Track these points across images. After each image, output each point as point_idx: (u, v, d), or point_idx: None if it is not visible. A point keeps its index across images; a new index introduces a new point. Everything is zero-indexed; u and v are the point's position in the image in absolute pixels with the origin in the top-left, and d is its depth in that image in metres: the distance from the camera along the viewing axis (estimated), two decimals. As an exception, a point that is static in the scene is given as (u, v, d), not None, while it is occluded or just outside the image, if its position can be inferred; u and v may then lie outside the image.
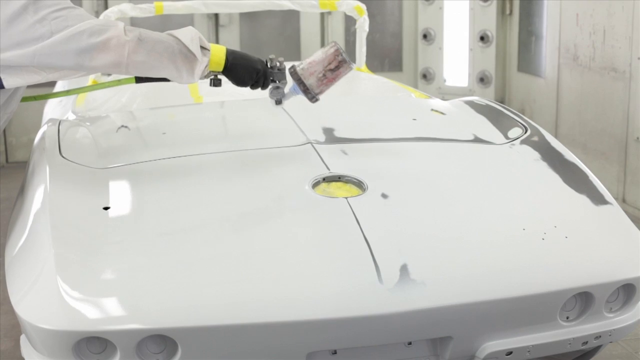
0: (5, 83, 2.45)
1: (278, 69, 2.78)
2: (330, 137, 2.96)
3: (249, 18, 7.36)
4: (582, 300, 2.47)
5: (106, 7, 6.78)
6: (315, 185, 2.62)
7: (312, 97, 2.74)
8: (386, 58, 7.73)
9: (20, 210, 2.64)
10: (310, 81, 2.72)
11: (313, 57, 2.74)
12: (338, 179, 2.66)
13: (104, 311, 2.15)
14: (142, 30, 2.54)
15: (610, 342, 2.62)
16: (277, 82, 2.79)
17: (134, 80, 2.83)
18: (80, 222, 2.44)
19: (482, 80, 7.34)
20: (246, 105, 3.50)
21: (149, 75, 2.63)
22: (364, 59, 4.91)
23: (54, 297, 2.15)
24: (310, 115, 3.15)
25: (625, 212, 2.75)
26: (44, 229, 2.38)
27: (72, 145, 2.92)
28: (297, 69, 2.72)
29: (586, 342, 2.52)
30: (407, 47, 7.76)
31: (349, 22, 7.25)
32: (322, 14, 7.51)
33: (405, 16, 7.69)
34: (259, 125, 3.21)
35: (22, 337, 2.31)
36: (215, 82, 2.76)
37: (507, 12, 7.18)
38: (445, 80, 7.57)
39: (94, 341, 2.16)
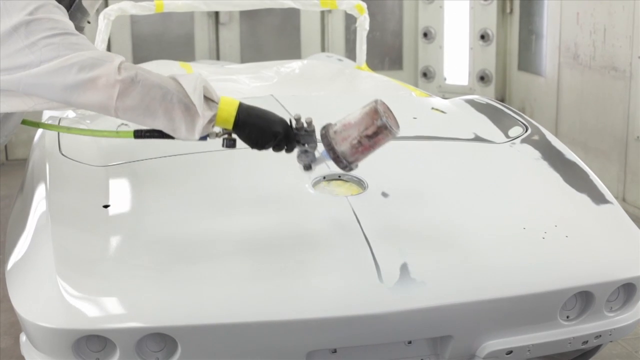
0: None
1: (305, 131, 2.32)
2: (331, 135, 2.95)
3: (249, 16, 7.35)
4: (583, 300, 2.46)
5: (106, 5, 6.77)
6: (315, 183, 2.62)
7: (345, 167, 2.30)
8: (386, 56, 7.72)
9: (20, 208, 2.64)
10: (342, 148, 2.27)
11: (349, 118, 2.29)
12: (338, 177, 2.66)
13: (104, 309, 2.15)
14: (141, 70, 2.17)
15: (611, 341, 2.62)
16: (305, 145, 2.33)
17: (132, 134, 2.36)
18: (80, 220, 2.43)
19: (483, 79, 7.33)
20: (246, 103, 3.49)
21: (141, 124, 2.22)
22: (364, 57, 4.91)
23: (54, 295, 2.14)
24: (310, 114, 3.14)
25: (626, 211, 2.75)
26: (44, 227, 2.38)
27: (72, 143, 2.92)
28: (329, 132, 2.29)
29: (586, 342, 2.51)
30: (407, 46, 7.75)
31: (350, 21, 7.25)
32: (323, 12, 7.50)
33: (405, 14, 7.69)
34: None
35: (22, 335, 2.31)
36: (228, 143, 2.29)
37: (508, 10, 7.17)
38: (445, 79, 7.57)
39: (94, 339, 2.16)
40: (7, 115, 2.41)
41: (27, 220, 2.49)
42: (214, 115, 2.22)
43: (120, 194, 2.60)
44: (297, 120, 2.31)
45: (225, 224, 2.44)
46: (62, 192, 2.56)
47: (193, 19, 7.28)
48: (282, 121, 2.31)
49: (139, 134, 2.34)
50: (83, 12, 2.49)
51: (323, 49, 7.50)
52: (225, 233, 2.40)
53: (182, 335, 2.15)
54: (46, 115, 4.07)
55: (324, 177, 2.64)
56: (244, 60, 7.06)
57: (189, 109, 2.17)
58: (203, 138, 2.27)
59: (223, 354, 2.21)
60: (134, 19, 6.99)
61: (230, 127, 2.25)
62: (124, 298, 2.17)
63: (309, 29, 7.54)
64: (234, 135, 2.29)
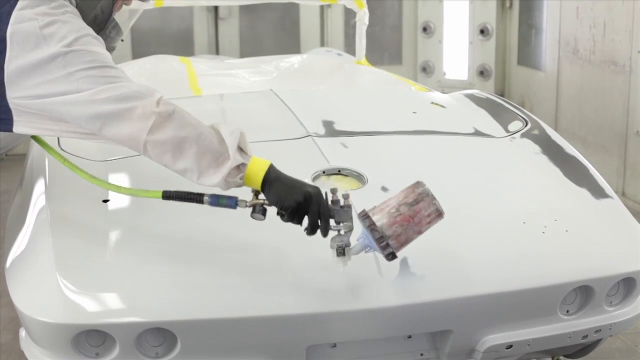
0: (15, 128, 2.17)
1: (341, 206, 2.14)
2: (330, 130, 2.95)
3: (249, 11, 7.35)
4: (582, 294, 2.46)
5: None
6: (315, 178, 2.61)
7: (390, 254, 2.10)
8: (386, 51, 7.72)
9: (19, 203, 2.64)
10: (378, 218, 2.08)
11: (393, 199, 2.14)
12: (338, 172, 2.65)
13: (103, 304, 2.15)
14: (179, 108, 2.13)
15: (610, 335, 2.62)
16: (340, 223, 2.14)
17: (160, 194, 2.24)
18: (79, 215, 2.43)
19: (482, 73, 7.33)
20: (246, 97, 3.49)
21: (166, 163, 2.12)
22: (363, 52, 4.90)
23: (53, 290, 2.14)
24: (310, 108, 3.14)
25: (625, 205, 2.75)
26: (43, 222, 2.38)
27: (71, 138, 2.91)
28: (369, 209, 2.12)
29: (586, 336, 2.52)
30: (406, 40, 7.75)
31: (349, 15, 7.24)
32: (322, 7, 7.50)
33: (405, 9, 7.69)
34: (259, 117, 3.20)
35: (22, 330, 2.31)
36: (257, 210, 2.16)
37: (507, 5, 7.18)
38: (445, 74, 7.57)
39: (93, 334, 2.16)
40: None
41: (26, 215, 2.48)
42: (243, 165, 2.12)
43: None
44: (334, 192, 2.15)
45: (225, 218, 2.44)
46: (62, 187, 2.56)
47: (192, 13, 7.28)
48: (316, 188, 2.16)
49: (167, 195, 2.24)
50: (118, 30, 2.47)
51: (322, 44, 7.50)
52: (225, 228, 2.39)
53: (181, 329, 2.15)
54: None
55: (324, 172, 2.64)
56: (243, 55, 7.06)
57: (221, 154, 2.10)
58: (230, 203, 2.18)
59: (222, 349, 2.20)
60: (132, 13, 6.97)
61: (259, 185, 2.13)
62: (123, 293, 2.17)
63: (308, 24, 7.54)
64: (265, 204, 2.17)
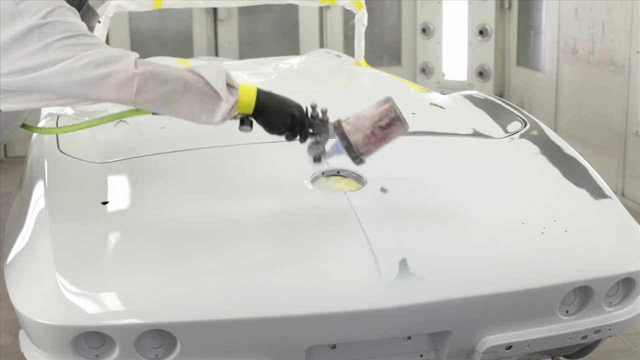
0: (1, 106, 2.23)
1: (320, 120, 2.36)
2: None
3: (248, 12, 7.35)
4: (582, 295, 2.46)
5: (104, 1, 6.77)
6: (314, 179, 2.61)
7: (356, 157, 2.34)
8: (385, 52, 7.72)
9: (18, 205, 2.64)
10: (355, 138, 2.31)
11: (363, 111, 2.35)
12: (337, 173, 2.65)
13: (103, 306, 2.15)
14: (157, 64, 2.24)
15: (610, 336, 2.62)
16: (318, 135, 2.37)
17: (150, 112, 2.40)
18: (78, 216, 2.43)
19: (481, 74, 7.33)
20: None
21: (162, 113, 2.31)
22: (362, 53, 4.90)
23: (53, 292, 2.14)
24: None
25: (625, 206, 2.75)
26: (43, 224, 2.38)
27: (71, 140, 2.91)
28: (343, 122, 2.34)
29: (586, 336, 2.52)
30: (406, 41, 7.75)
31: (348, 16, 7.24)
32: (321, 8, 7.50)
33: (404, 10, 7.68)
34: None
35: (21, 332, 2.31)
36: (246, 122, 2.34)
37: (506, 6, 7.17)
38: (444, 75, 7.57)
39: (93, 336, 2.16)
40: (11, 114, 2.40)
41: (25, 217, 2.48)
42: (236, 101, 2.28)
43: (118, 191, 2.60)
44: (314, 108, 2.36)
45: (224, 219, 2.44)
46: (61, 189, 2.56)
47: (191, 15, 7.28)
48: (299, 106, 2.36)
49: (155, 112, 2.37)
50: (93, 12, 2.51)
51: (321, 45, 7.50)
52: (224, 229, 2.39)
53: (181, 331, 2.15)
54: (45, 111, 4.07)
55: (323, 173, 2.64)
56: (242, 56, 7.06)
57: (209, 97, 2.24)
58: None
59: (222, 350, 2.21)
60: (132, 16, 6.98)
61: (250, 111, 2.31)
62: (122, 294, 2.17)
63: (307, 25, 7.54)
64: (251, 118, 2.34)
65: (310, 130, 2.37)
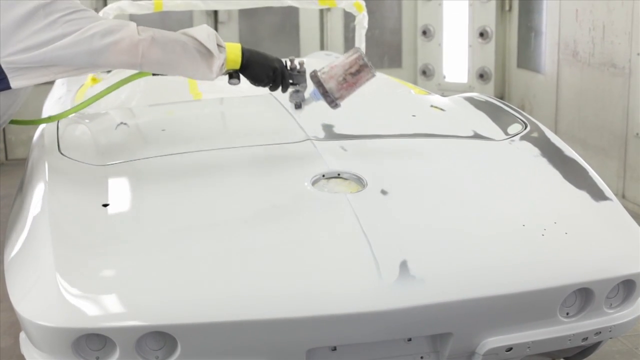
0: (12, 84, 2.40)
1: (298, 71, 2.72)
2: (330, 133, 2.96)
3: (248, 15, 7.35)
4: (582, 297, 2.46)
5: (105, 4, 6.77)
6: (314, 182, 2.61)
7: (332, 102, 2.67)
8: (385, 54, 7.72)
9: (19, 207, 2.64)
10: (330, 85, 2.65)
11: (335, 62, 2.69)
12: (337, 175, 2.66)
13: (103, 308, 2.15)
14: (156, 30, 2.51)
15: (611, 338, 2.62)
16: (297, 85, 2.73)
17: (150, 73, 2.78)
18: (79, 219, 2.43)
19: (482, 76, 7.34)
20: (245, 101, 3.50)
21: (165, 74, 2.65)
22: (363, 55, 4.90)
23: (53, 294, 2.14)
24: (309, 112, 3.14)
25: (625, 208, 2.75)
26: (43, 226, 2.38)
27: (71, 143, 2.92)
28: (318, 72, 2.66)
29: (586, 338, 2.52)
30: (406, 44, 7.75)
31: (348, 19, 7.25)
32: (321, 11, 7.50)
33: (404, 12, 7.69)
34: (258, 121, 3.21)
35: (22, 335, 2.31)
36: (234, 76, 2.70)
37: (507, 8, 7.18)
38: (444, 77, 7.57)
39: (94, 338, 2.16)
40: (15, 96, 2.57)
41: (26, 219, 2.48)
42: (225, 58, 2.61)
43: (119, 193, 2.60)
44: (292, 61, 2.72)
45: (225, 222, 2.44)
46: (61, 192, 2.56)
47: (192, 17, 7.28)
48: (279, 60, 2.72)
49: (156, 73, 2.73)
50: None
51: (322, 47, 7.50)
52: (225, 231, 2.40)
53: (181, 333, 2.15)
54: (46, 113, 4.08)
55: (323, 175, 2.64)
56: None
57: (204, 55, 2.55)
58: None
59: (223, 352, 2.21)
60: (133, 18, 6.97)
61: (238, 66, 2.65)
62: (123, 296, 2.17)
63: (307, 28, 7.54)
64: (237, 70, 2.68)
65: (290, 81, 2.71)
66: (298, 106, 2.77)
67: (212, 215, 2.48)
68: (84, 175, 2.68)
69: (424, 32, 7.59)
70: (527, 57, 6.95)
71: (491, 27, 7.21)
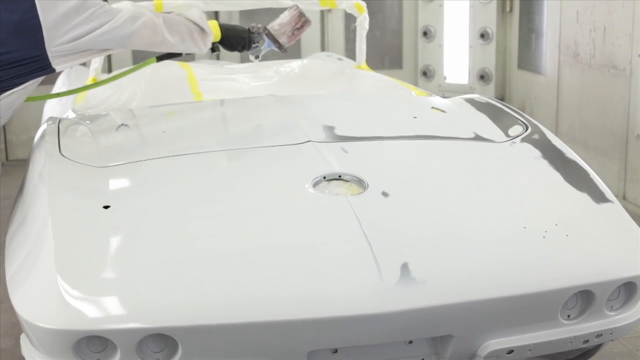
0: (56, 68, 2.78)
1: (257, 33, 3.40)
2: (331, 135, 2.95)
3: (249, 16, 7.34)
4: (583, 299, 2.46)
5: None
6: (315, 183, 2.61)
7: (284, 50, 3.47)
8: (386, 55, 7.72)
9: (20, 208, 2.64)
10: (282, 40, 3.45)
11: (281, 19, 3.46)
12: (338, 177, 2.65)
13: (104, 310, 2.15)
14: (159, 13, 3.04)
15: (612, 340, 2.62)
16: (257, 42, 3.40)
17: (155, 60, 3.37)
18: (80, 220, 2.43)
19: (483, 77, 7.33)
20: (246, 102, 3.50)
21: (177, 49, 3.12)
22: (364, 56, 4.90)
23: (54, 296, 2.14)
24: (310, 113, 3.14)
25: (626, 209, 2.75)
26: (44, 228, 2.38)
27: (72, 144, 2.92)
28: (272, 30, 3.43)
29: (587, 341, 2.51)
30: (407, 45, 7.75)
31: (349, 20, 7.24)
32: (322, 12, 7.49)
33: (405, 13, 7.68)
34: (260, 123, 3.21)
35: (22, 336, 2.31)
36: (215, 49, 3.29)
37: (508, 9, 7.18)
38: (445, 78, 7.57)
39: (94, 340, 2.16)
40: (19, 91, 2.83)
41: (27, 221, 2.48)
42: (212, 34, 3.20)
43: (120, 195, 2.60)
44: (253, 27, 3.39)
45: (225, 224, 2.44)
46: (62, 193, 2.56)
47: (192, 18, 7.27)
48: (245, 29, 3.39)
49: (160, 57, 3.35)
50: None
51: (323, 49, 7.50)
52: (226, 233, 2.40)
53: (182, 335, 2.15)
54: (47, 114, 4.07)
55: (324, 177, 2.64)
56: (243, 60, 7.04)
57: (200, 33, 3.13)
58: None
59: (224, 354, 2.20)
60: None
61: (219, 39, 3.27)
62: (124, 299, 2.17)
63: (308, 29, 7.52)
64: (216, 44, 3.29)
65: (253, 42, 3.39)
66: (257, 57, 3.45)
67: (213, 216, 2.48)
68: (84, 176, 2.68)
69: (425, 33, 7.59)
70: (527, 58, 6.95)
71: (492, 28, 7.21)
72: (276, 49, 3.47)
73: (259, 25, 3.45)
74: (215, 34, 3.24)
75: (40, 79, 2.88)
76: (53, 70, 2.80)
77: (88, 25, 2.77)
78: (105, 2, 2.89)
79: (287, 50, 3.51)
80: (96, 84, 3.65)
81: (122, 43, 2.91)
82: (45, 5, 2.70)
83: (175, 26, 3.04)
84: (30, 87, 2.87)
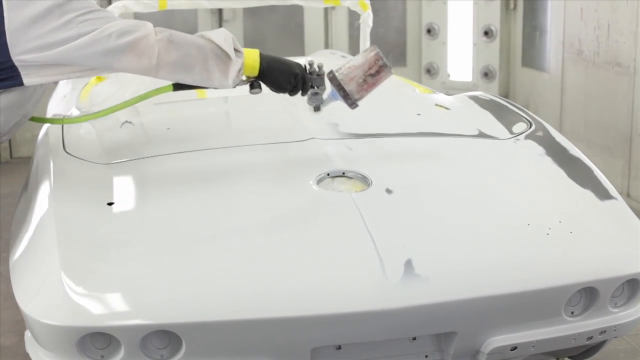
0: (25, 81, 2.35)
1: (317, 75, 2.69)
2: (335, 132, 2.95)
3: (253, 13, 7.35)
4: (587, 296, 2.46)
5: (109, 3, 6.78)
6: (319, 180, 2.61)
7: (352, 103, 2.64)
8: (390, 53, 7.71)
9: (24, 206, 2.64)
10: (350, 87, 2.61)
11: (353, 62, 2.64)
12: (342, 174, 2.66)
13: (108, 307, 2.15)
14: (172, 31, 2.45)
15: (615, 337, 2.62)
16: (316, 87, 2.70)
17: (171, 87, 2.67)
18: (84, 217, 2.44)
19: (486, 75, 7.33)
20: (250, 100, 3.49)
21: (180, 79, 2.52)
22: (367, 54, 4.89)
23: (58, 293, 2.15)
24: (311, 111, 3.14)
25: (630, 206, 2.74)
26: (48, 225, 2.38)
27: (76, 141, 2.92)
28: (337, 74, 2.62)
29: (591, 337, 2.51)
30: (411, 42, 7.74)
31: (353, 17, 7.24)
32: (326, 9, 7.50)
33: (409, 11, 7.68)
34: (264, 120, 3.21)
35: (27, 333, 2.31)
36: (255, 85, 2.66)
37: (511, 6, 7.17)
38: (449, 75, 7.56)
39: (98, 337, 2.16)
40: (29, 96, 2.48)
41: (31, 218, 2.49)
42: (243, 63, 2.53)
43: (124, 192, 2.60)
44: (311, 65, 2.68)
45: (230, 220, 2.44)
46: (66, 190, 2.56)
47: (197, 16, 7.28)
48: (299, 65, 2.66)
49: (178, 87, 2.63)
50: None
51: (327, 46, 7.50)
52: (230, 230, 2.40)
53: (186, 332, 2.15)
54: (51, 112, 4.08)
55: (328, 174, 2.64)
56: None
57: (221, 58, 2.47)
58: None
59: (227, 351, 2.21)
60: (138, 17, 6.97)
61: (256, 73, 2.59)
62: (128, 295, 2.17)
63: (312, 26, 7.54)
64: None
65: (310, 85, 2.68)
66: (317, 109, 2.73)
67: (217, 213, 2.48)
68: (88, 173, 2.68)
69: (429, 31, 7.58)
70: (531, 55, 6.94)
71: (496, 26, 7.20)
72: (342, 100, 2.66)
73: (320, 64, 2.73)
74: (249, 64, 2.57)
75: (35, 96, 2.54)
76: (21, 82, 2.35)
77: (63, 34, 2.28)
78: (100, 9, 2.38)
79: (357, 103, 2.66)
80: (106, 110, 2.89)
81: (105, 63, 2.36)
82: (13, 4, 2.27)
83: (183, 48, 2.44)
84: (15, 99, 2.43)
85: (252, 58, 2.56)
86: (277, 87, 2.64)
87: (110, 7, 4.35)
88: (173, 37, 2.42)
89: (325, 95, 2.70)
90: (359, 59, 2.63)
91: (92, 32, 2.29)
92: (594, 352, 2.76)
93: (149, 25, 2.39)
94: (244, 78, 2.61)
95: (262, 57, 2.59)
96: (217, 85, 2.52)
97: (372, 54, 2.61)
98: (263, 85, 2.69)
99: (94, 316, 2.12)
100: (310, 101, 2.72)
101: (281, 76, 2.62)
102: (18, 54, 2.28)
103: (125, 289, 2.18)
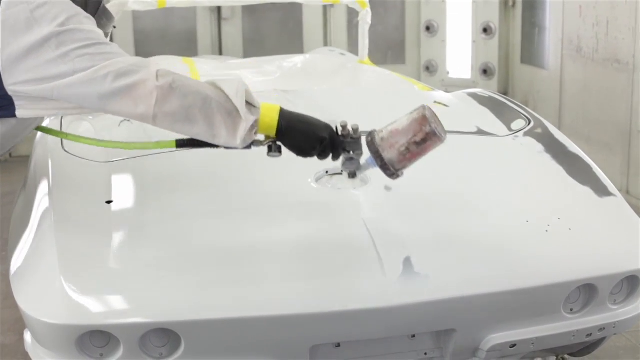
0: (18, 113, 2.17)
1: (352, 138, 2.24)
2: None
3: (252, 11, 7.35)
4: (586, 292, 2.46)
5: (108, 1, 6.77)
6: (318, 178, 2.61)
7: (392, 174, 2.22)
8: (389, 50, 7.71)
9: (23, 204, 2.64)
10: (390, 155, 2.18)
11: (396, 125, 2.19)
12: (341, 172, 2.65)
13: (107, 305, 2.15)
14: (177, 76, 2.14)
15: (614, 334, 2.62)
16: (351, 152, 2.26)
17: (174, 144, 2.32)
18: (83, 216, 2.44)
19: (485, 72, 7.33)
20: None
21: (179, 131, 2.18)
22: (366, 51, 4.90)
23: (57, 292, 2.14)
24: (313, 108, 3.14)
25: (629, 203, 2.74)
26: (47, 224, 2.38)
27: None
28: (376, 138, 2.19)
29: (590, 334, 2.51)
30: (410, 40, 7.74)
31: (352, 15, 7.23)
32: (325, 7, 7.50)
33: (408, 8, 7.68)
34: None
35: (26, 332, 2.31)
36: (275, 149, 2.25)
37: (510, 4, 7.17)
38: (448, 73, 7.57)
39: (98, 335, 2.16)
40: (24, 125, 2.35)
41: (30, 216, 2.49)
42: (256, 121, 2.16)
43: (122, 190, 2.60)
44: (344, 127, 2.24)
45: (228, 219, 2.44)
46: (65, 189, 2.56)
47: (195, 14, 7.28)
48: (328, 126, 2.24)
49: (181, 144, 2.30)
50: (109, 17, 2.44)
51: (325, 43, 7.50)
52: (228, 228, 2.40)
53: (185, 330, 2.15)
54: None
55: (327, 172, 2.64)
56: (246, 55, 7.06)
57: (230, 113, 2.13)
58: (247, 147, 2.22)
59: (226, 349, 2.21)
60: (136, 15, 6.98)
61: (273, 133, 2.20)
62: (127, 293, 2.17)
63: (311, 24, 7.54)
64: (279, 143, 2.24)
65: (344, 148, 2.26)
66: (352, 175, 2.31)
67: (215, 211, 2.48)
68: (87, 172, 2.68)
69: (428, 28, 7.58)
70: (530, 52, 6.94)
71: (495, 23, 7.21)
72: (379, 169, 2.22)
73: (355, 126, 2.25)
74: (266, 122, 2.18)
75: (33, 125, 2.42)
76: (14, 114, 2.16)
77: (57, 68, 2.06)
78: (103, 43, 2.13)
79: (399, 174, 2.22)
80: (110, 143, 2.51)
81: (99, 104, 2.11)
82: (9, 30, 2.08)
83: (187, 98, 2.11)
84: (11, 130, 2.29)
85: (269, 116, 2.18)
86: (299, 151, 2.24)
87: (109, 5, 4.34)
88: (176, 83, 2.11)
89: (362, 160, 2.28)
90: (403, 122, 2.19)
91: (89, 70, 2.06)
92: (593, 349, 2.77)
93: (152, 67, 2.12)
94: (261, 138, 2.24)
95: (283, 115, 2.19)
96: (222, 143, 2.17)
97: (419, 117, 2.17)
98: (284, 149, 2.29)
99: (92, 314, 2.12)
100: (344, 167, 2.30)
101: (304, 139, 2.22)
102: (12, 85, 2.10)
103: (124, 287, 2.18)
